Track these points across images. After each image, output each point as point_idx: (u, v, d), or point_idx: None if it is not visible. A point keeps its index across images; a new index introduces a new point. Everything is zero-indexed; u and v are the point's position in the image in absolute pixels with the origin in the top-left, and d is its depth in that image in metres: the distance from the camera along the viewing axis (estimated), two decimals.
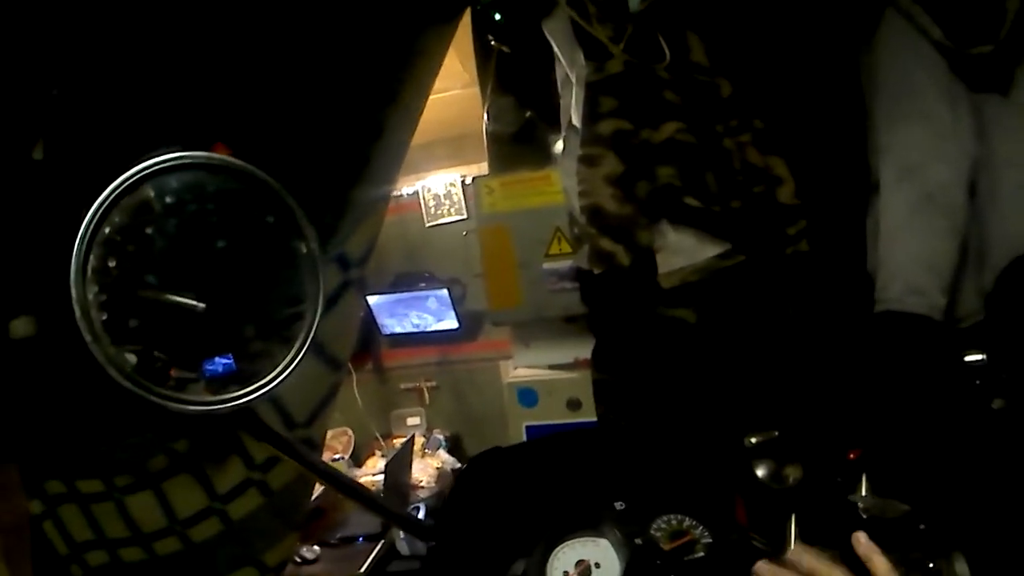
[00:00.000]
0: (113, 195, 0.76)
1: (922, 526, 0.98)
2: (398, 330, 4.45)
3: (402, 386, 4.60)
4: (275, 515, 1.42)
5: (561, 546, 1.10)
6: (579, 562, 1.08)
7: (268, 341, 0.86)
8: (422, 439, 4.30)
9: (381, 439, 4.40)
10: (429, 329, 4.37)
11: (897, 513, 1.03)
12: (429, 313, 4.31)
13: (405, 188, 4.29)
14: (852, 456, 1.13)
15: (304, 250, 0.86)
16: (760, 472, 1.12)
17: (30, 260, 0.94)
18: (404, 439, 4.13)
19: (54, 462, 1.33)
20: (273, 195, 0.85)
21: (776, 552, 1.03)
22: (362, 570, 3.32)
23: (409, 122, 1.53)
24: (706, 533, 1.11)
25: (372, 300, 4.35)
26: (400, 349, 4.62)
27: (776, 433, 1.15)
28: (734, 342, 1.86)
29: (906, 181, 1.69)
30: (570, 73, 1.96)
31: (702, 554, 1.08)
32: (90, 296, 0.75)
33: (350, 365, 4.24)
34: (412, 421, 4.54)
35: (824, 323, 1.83)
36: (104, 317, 0.76)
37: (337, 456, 4.13)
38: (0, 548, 1.20)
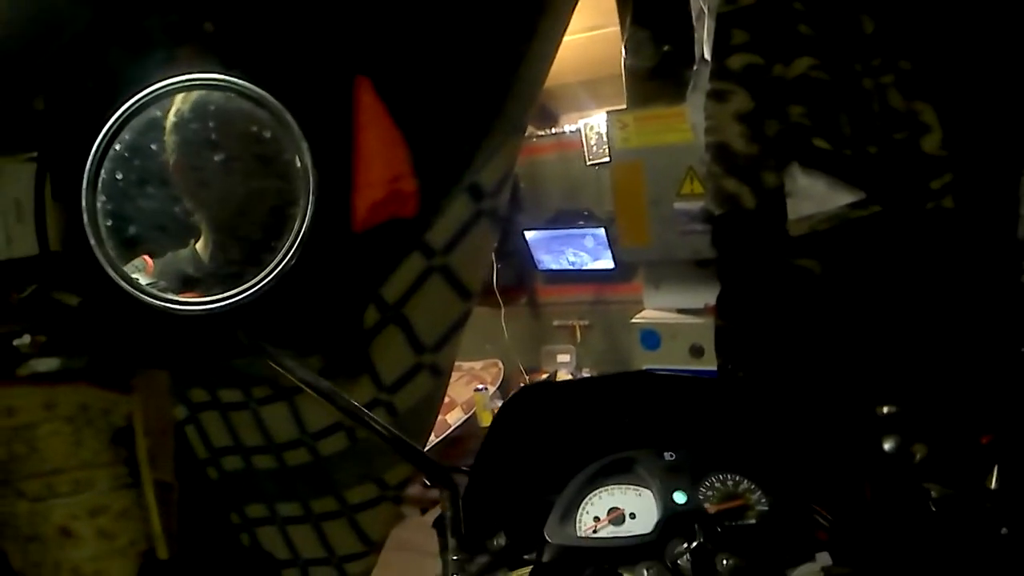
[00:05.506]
0: (125, 115, 0.83)
1: None
2: (554, 266, 4.47)
3: (555, 322, 4.64)
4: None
5: (599, 490, 1.05)
6: (612, 509, 1.02)
7: (257, 247, 0.88)
8: (569, 376, 4.32)
9: (525, 373, 4.47)
10: (585, 267, 4.35)
11: None
12: (586, 251, 4.29)
13: (568, 126, 4.28)
14: (984, 441, 1.05)
15: (299, 164, 0.88)
16: (887, 446, 1.04)
17: None
18: (547, 375, 4.17)
19: (199, 371, 1.43)
20: (275, 112, 0.87)
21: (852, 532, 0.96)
22: None
23: (543, 59, 1.50)
24: (763, 500, 1.01)
25: (529, 235, 4.39)
26: (555, 285, 4.65)
27: (904, 406, 1.07)
28: (862, 299, 1.75)
29: None
30: (703, 4, 1.87)
31: (752, 522, 0.99)
32: (98, 205, 0.82)
33: (500, 299, 4.32)
34: (562, 358, 4.58)
35: (965, 290, 1.68)
36: (108, 223, 0.83)
37: (482, 386, 4.21)
38: (146, 449, 1.28)
